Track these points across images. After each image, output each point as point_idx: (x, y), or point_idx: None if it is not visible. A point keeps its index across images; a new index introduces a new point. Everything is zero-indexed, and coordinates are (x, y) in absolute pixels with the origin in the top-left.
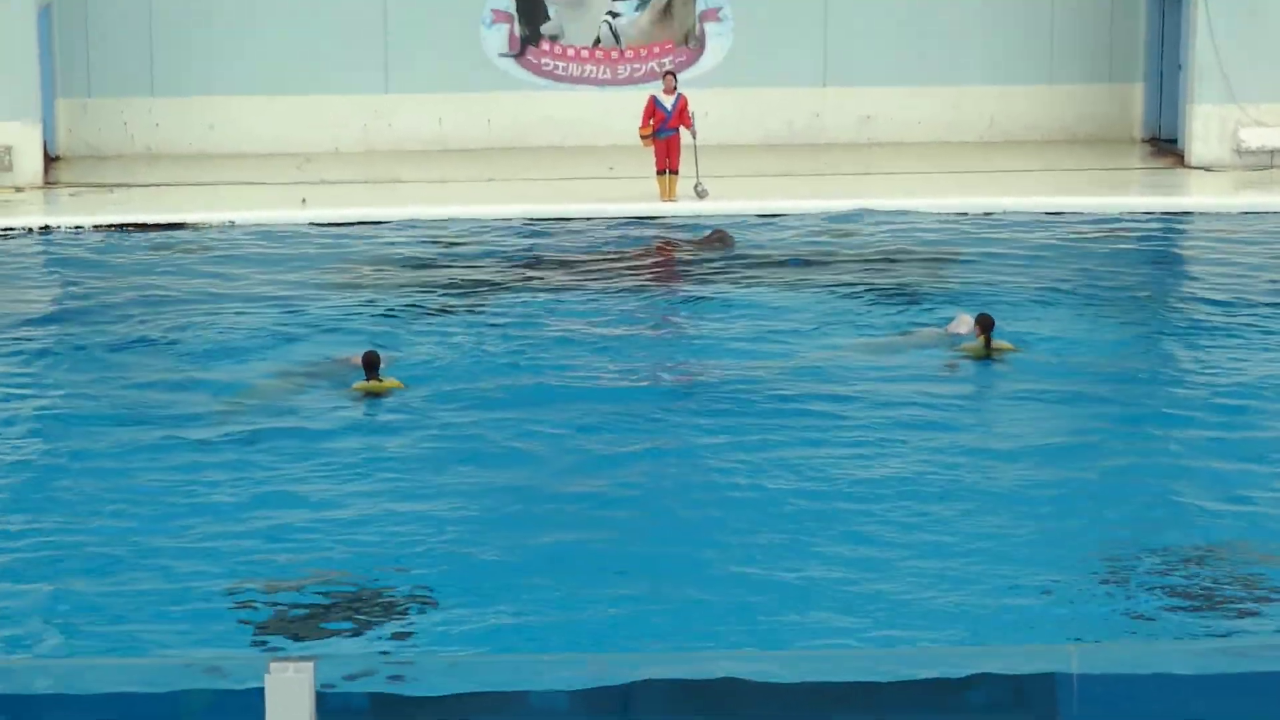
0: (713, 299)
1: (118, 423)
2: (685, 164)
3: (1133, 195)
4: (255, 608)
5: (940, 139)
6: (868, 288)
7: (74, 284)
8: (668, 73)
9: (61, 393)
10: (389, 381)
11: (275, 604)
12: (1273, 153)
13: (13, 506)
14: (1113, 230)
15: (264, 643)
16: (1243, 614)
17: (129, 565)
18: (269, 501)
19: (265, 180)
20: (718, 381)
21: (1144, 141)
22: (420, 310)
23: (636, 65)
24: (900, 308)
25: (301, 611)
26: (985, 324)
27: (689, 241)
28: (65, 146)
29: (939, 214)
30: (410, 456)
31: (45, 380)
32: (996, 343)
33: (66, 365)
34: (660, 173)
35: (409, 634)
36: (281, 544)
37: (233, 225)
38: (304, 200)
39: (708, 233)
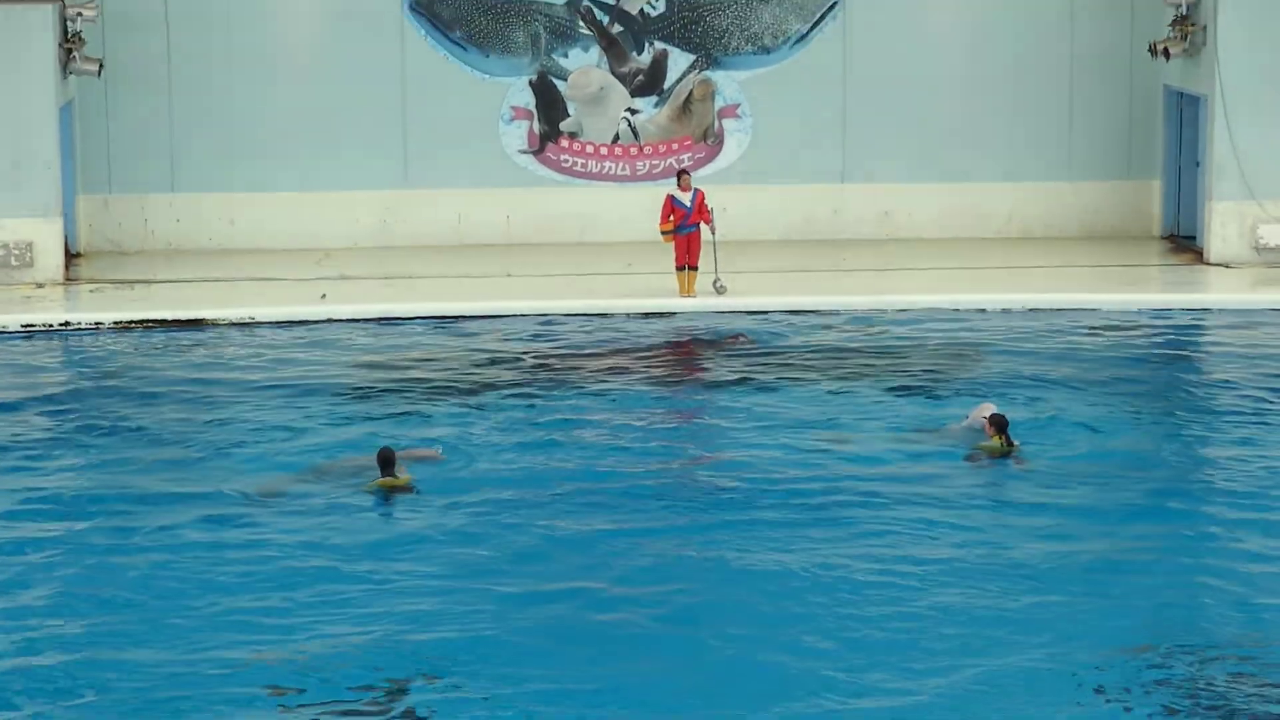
0: (732, 395)
1: (135, 519)
2: (704, 259)
3: (1151, 292)
4: (272, 704)
5: (959, 235)
6: (887, 384)
7: (93, 380)
8: (681, 171)
9: (79, 488)
10: (405, 478)
11: (292, 699)
12: None
13: (33, 599)
14: (1131, 327)
15: None
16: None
17: (142, 664)
18: (286, 599)
19: (285, 276)
20: (737, 477)
21: (1162, 238)
22: (438, 406)
23: (655, 162)
24: (919, 404)
25: (317, 706)
26: (999, 423)
27: (708, 338)
28: (86, 242)
29: (958, 310)
30: (427, 553)
31: (64, 476)
32: (1013, 441)
33: (84, 461)
34: (679, 268)
35: None
36: (298, 640)
37: (252, 321)
38: (323, 295)
39: (729, 336)
